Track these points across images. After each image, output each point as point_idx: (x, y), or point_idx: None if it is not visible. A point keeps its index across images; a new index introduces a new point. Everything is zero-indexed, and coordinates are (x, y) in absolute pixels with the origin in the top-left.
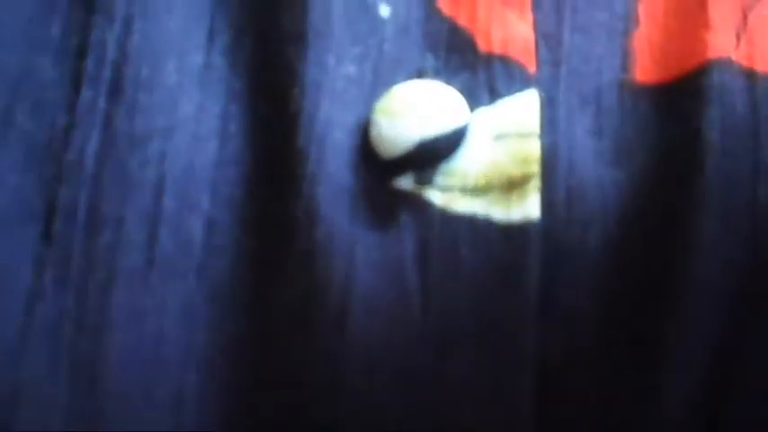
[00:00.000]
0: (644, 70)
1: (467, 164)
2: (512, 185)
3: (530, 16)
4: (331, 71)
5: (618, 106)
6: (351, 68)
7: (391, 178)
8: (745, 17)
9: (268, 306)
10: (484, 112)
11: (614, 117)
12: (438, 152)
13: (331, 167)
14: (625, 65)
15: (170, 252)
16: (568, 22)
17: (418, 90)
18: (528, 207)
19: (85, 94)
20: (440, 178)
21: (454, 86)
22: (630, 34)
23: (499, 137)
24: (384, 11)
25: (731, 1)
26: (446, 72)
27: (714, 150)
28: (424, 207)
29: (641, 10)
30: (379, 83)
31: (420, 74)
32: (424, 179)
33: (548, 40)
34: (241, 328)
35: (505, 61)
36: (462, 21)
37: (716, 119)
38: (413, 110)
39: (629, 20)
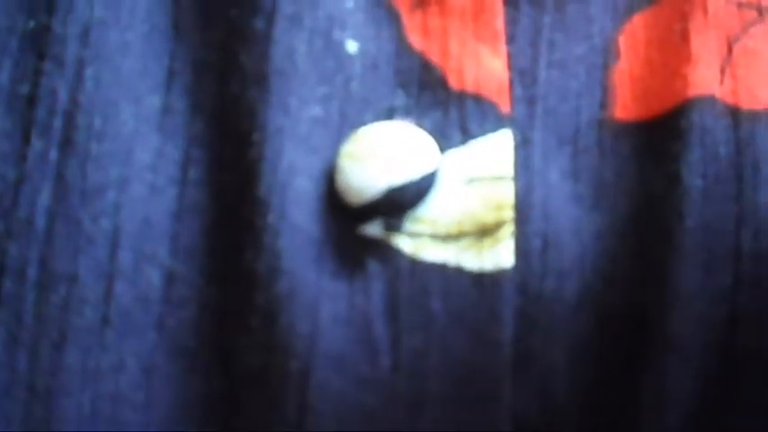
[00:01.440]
0: (624, 107)
1: (437, 209)
2: (484, 232)
3: (504, 51)
4: (294, 114)
5: (596, 147)
6: (316, 110)
7: (359, 225)
8: (730, 49)
9: (230, 363)
10: (455, 153)
11: (593, 158)
12: (407, 199)
13: (294, 216)
14: (604, 101)
15: (127, 307)
16: (544, 56)
17: (386, 133)
18: (501, 255)
19: (36, 145)
20: (409, 225)
21: (425, 126)
22: (610, 68)
23: (471, 180)
24: (351, 47)
25: (716, 32)
26: (417, 111)
27: (695, 196)
28: (392, 255)
29: (622, 42)
30: (346, 124)
31: (390, 113)
32: (394, 226)
33: (523, 76)
34: (203, 386)
35: (478, 100)
36: (434, 57)
37: (697, 163)
38: (380, 155)
39: (609, 53)
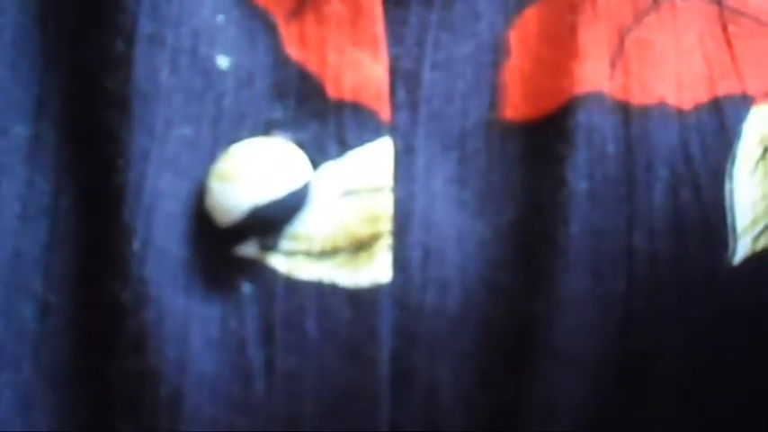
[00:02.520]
0: (515, 107)
1: (312, 226)
2: (359, 247)
3: (384, 57)
4: (160, 135)
5: (484, 150)
6: (185, 130)
7: (232, 246)
8: (621, 42)
9: (106, 392)
10: (332, 166)
11: (480, 162)
12: (275, 217)
13: (161, 241)
14: (493, 102)
15: (1, 340)
16: (429, 57)
17: (254, 151)
18: (377, 270)
19: None
20: (285, 243)
21: (303, 138)
22: (500, 66)
23: (348, 193)
24: (223, 62)
25: (606, 24)
26: (295, 123)
27: (580, 199)
28: (267, 275)
29: (513, 38)
30: (219, 143)
31: (268, 127)
32: (269, 244)
33: (407, 79)
34: (82, 416)
35: (356, 109)
36: (312, 66)
37: (583, 164)
38: (246, 174)
39: (499, 50)
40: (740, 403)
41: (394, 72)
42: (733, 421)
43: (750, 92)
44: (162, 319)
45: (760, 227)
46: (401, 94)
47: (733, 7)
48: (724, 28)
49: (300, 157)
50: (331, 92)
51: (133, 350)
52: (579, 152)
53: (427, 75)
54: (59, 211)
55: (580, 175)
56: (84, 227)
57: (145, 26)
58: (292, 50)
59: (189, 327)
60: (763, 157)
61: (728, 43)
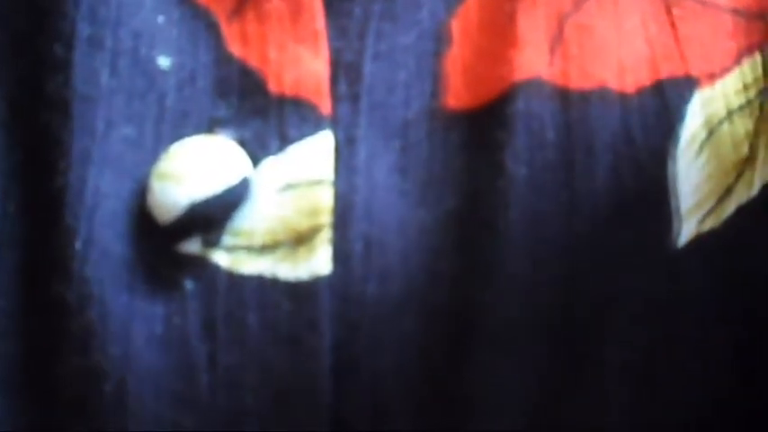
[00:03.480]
0: (457, 96)
1: (253, 221)
2: (299, 240)
3: (325, 51)
4: (101, 137)
5: (426, 139)
6: (127, 130)
7: (174, 243)
8: (560, 27)
9: (55, 393)
10: (273, 161)
11: (422, 152)
12: (214, 213)
13: (104, 241)
14: (436, 91)
15: None
16: (371, 48)
17: (193, 149)
18: (317, 263)
19: None
20: (228, 238)
21: (245, 135)
22: (443, 55)
23: (287, 187)
24: (164, 62)
25: (545, 10)
26: (237, 120)
27: (520, 186)
28: (209, 271)
29: (455, 26)
30: (161, 142)
31: (211, 125)
32: (211, 241)
33: (348, 71)
34: (33, 418)
35: (297, 103)
36: (254, 62)
37: (522, 150)
38: (185, 172)
39: (441, 39)
40: (693, 388)
41: (335, 65)
42: (688, 406)
43: (694, 73)
44: (105, 318)
45: (705, 208)
46: (342, 87)
47: None
48: (668, 10)
49: (239, 154)
50: (272, 87)
51: (78, 349)
52: (518, 139)
53: (369, 66)
54: (7, 215)
55: (519, 162)
56: (28, 230)
57: (83, 30)
58: (234, 48)
59: (132, 325)
60: (708, 139)
61: (672, 25)
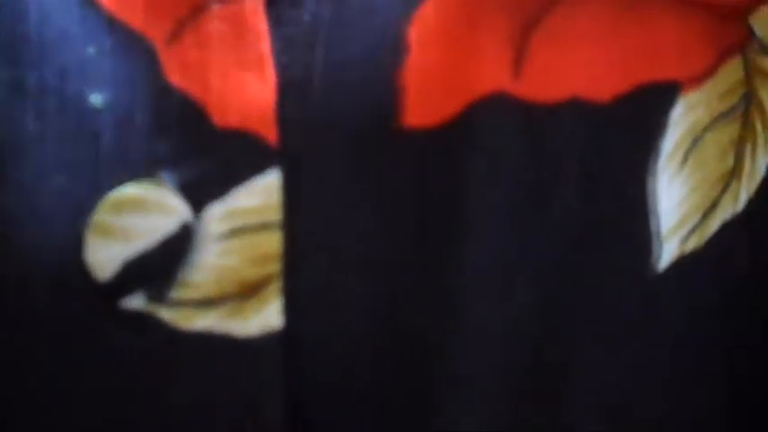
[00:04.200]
0: (416, 112)
1: (198, 273)
2: (249, 291)
3: (271, 73)
4: (31, 189)
5: (384, 164)
6: (60, 179)
7: (116, 300)
8: (527, 35)
9: None
10: (218, 205)
11: (379, 178)
12: (153, 268)
13: (38, 300)
14: (393, 108)
15: None
16: (320, 61)
17: (128, 197)
18: (268, 316)
19: None
20: (174, 292)
21: (187, 176)
22: (400, 67)
23: (234, 233)
24: (96, 99)
25: (509, 15)
26: (179, 160)
27: (484, 213)
28: (154, 329)
29: (412, 34)
30: (99, 190)
31: (151, 167)
32: (156, 296)
33: (297, 92)
34: None
35: (242, 137)
36: (195, 92)
37: (485, 174)
38: (119, 224)
39: (397, 48)
40: (670, 419)
41: (283, 85)
42: None
43: (678, 77)
44: (46, 381)
45: (689, 226)
46: (291, 111)
47: None
48: (646, 11)
49: (178, 201)
50: (216, 120)
51: None
52: (480, 161)
53: (319, 82)
54: None
55: (483, 186)
56: None
57: (2, 74)
58: (174, 77)
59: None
60: (692, 149)
61: (651, 26)
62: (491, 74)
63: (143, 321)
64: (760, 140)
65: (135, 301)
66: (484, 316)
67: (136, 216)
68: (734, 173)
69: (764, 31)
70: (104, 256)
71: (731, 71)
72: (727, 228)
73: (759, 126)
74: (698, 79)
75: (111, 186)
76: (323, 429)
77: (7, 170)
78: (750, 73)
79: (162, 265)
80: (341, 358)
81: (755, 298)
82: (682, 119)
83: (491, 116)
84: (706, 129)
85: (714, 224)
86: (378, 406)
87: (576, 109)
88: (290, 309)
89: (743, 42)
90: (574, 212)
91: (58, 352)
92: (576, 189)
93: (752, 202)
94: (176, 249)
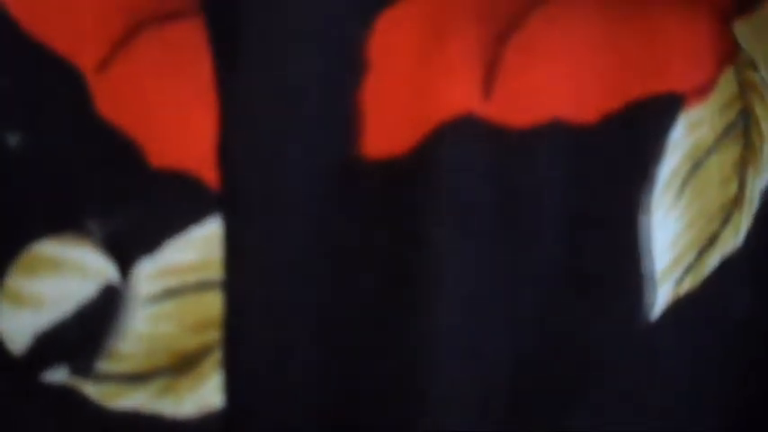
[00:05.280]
0: (375, 140)
1: (128, 342)
2: (184, 364)
3: (213, 106)
4: None
5: (339, 204)
6: None
7: (37, 374)
8: (499, 50)
9: None
10: (149, 261)
11: (335, 220)
12: (71, 339)
13: None
14: (350, 136)
15: None
16: (267, 83)
17: (40, 258)
18: (206, 393)
19: None
20: (100, 363)
21: (117, 227)
22: (357, 87)
23: (167, 295)
24: (12, 139)
25: (480, 28)
26: (106, 206)
27: (449, 262)
28: (77, 406)
29: (372, 48)
30: (13, 247)
31: (75, 217)
32: (80, 368)
33: (240, 122)
34: None
35: (179, 179)
36: (129, 128)
37: (449, 213)
38: (28, 290)
39: (356, 65)
40: None
41: (226, 114)
42: None
43: (680, 88)
44: None
45: (684, 265)
46: (234, 147)
47: None
48: (647, 10)
49: (97, 260)
50: (151, 158)
51: None
52: (446, 198)
53: (264, 109)
54: None
55: (447, 228)
56: None
57: None
58: (104, 109)
59: None
60: (692, 175)
61: (654, 29)
62: (458, 93)
63: (66, 398)
64: (761, 164)
65: (57, 375)
66: (454, 375)
67: (50, 279)
68: (736, 201)
69: (747, 43)
70: (15, 326)
71: (727, 83)
72: (726, 264)
73: (758, 145)
74: (702, 91)
75: (25, 242)
76: None
77: None
78: (743, 87)
79: (83, 335)
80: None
81: (757, 342)
82: (683, 139)
83: (457, 144)
84: (710, 150)
85: (712, 261)
86: None
87: (555, 133)
88: (232, 385)
89: (734, 51)
90: (554, 257)
91: None
92: (556, 230)
93: (750, 234)
94: (99, 316)
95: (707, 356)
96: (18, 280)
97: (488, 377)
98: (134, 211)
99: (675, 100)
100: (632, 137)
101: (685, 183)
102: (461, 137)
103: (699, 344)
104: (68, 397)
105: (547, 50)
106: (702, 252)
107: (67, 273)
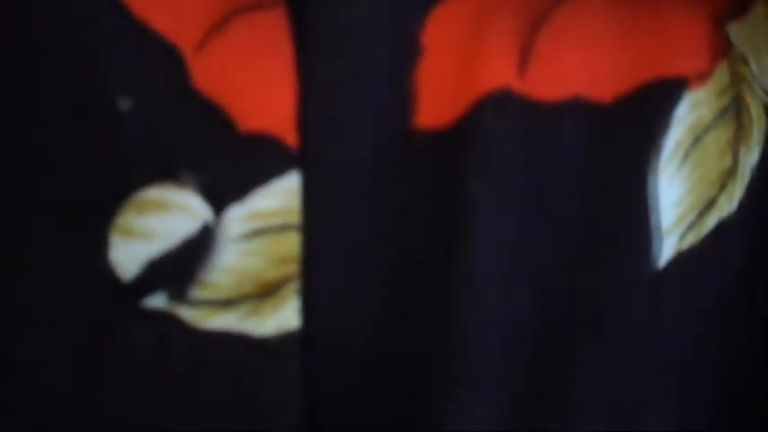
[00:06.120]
0: (429, 113)
1: (219, 272)
2: (267, 292)
3: (293, 79)
4: (55, 192)
5: (399, 167)
6: (87, 182)
7: (139, 299)
8: (532, 36)
9: None
10: (237, 207)
11: (395, 181)
12: (174, 268)
13: (64, 298)
14: (407, 110)
15: None
16: (340, 65)
17: (150, 199)
18: (285, 316)
19: None
20: (195, 291)
21: (208, 179)
22: (414, 68)
23: (254, 235)
24: (124, 104)
25: (515, 17)
26: (200, 163)
27: (485, 212)
28: (172, 328)
29: (426, 36)
30: (121, 191)
31: (173, 170)
32: (177, 295)
33: (320, 95)
34: None
35: (263, 141)
36: (220, 98)
37: (487, 173)
38: (139, 225)
39: (412, 50)
40: (672, 416)
41: (305, 90)
42: None
43: (684, 72)
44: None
45: (686, 223)
46: (312, 115)
47: None
48: (656, 5)
49: (199, 202)
50: (239, 124)
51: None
52: (483, 160)
53: (339, 88)
54: None
55: (485, 185)
56: None
57: (32, 78)
58: (201, 82)
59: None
60: (693, 147)
61: (662, 22)
62: (497, 72)
63: (164, 320)
64: (752, 143)
65: (156, 301)
66: (487, 313)
67: (158, 217)
68: (731, 172)
69: (739, 42)
70: (128, 256)
71: (722, 73)
72: (722, 226)
73: (748, 127)
74: (703, 76)
75: (135, 188)
76: (335, 424)
77: (33, 171)
78: (735, 78)
79: (183, 265)
80: (354, 361)
81: (751, 294)
82: (685, 116)
83: (496, 114)
84: (708, 127)
85: (710, 222)
86: (383, 407)
87: (578, 108)
88: (307, 310)
89: (728, 48)
90: (574, 210)
91: (80, 350)
92: (575, 189)
93: (743, 202)
94: (197, 250)
95: (705, 309)
96: (129, 218)
97: (516, 318)
98: (225, 165)
99: (681, 82)
100: (643, 112)
101: (688, 153)
102: (500, 108)
103: (698, 296)
104: (166, 319)
105: (571, 39)
106: (702, 213)
107: (173, 211)
